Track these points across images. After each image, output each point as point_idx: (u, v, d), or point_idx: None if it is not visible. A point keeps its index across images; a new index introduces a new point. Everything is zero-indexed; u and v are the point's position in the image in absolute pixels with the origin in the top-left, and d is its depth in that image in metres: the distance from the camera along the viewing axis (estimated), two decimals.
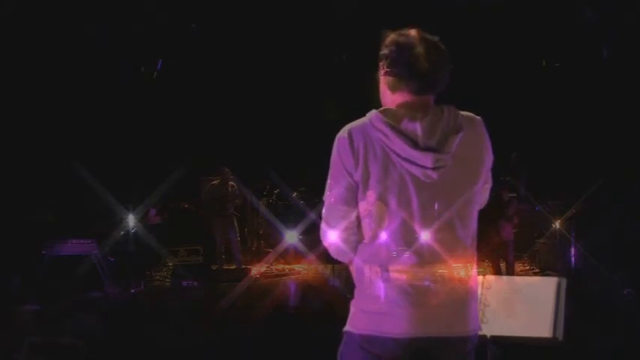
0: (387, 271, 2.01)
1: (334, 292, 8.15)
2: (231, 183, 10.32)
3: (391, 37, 2.12)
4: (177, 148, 11.18)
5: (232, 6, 11.60)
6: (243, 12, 11.73)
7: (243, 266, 10.50)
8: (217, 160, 10.72)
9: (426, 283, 2.01)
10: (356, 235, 2.07)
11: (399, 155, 1.98)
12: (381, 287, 2.01)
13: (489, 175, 2.18)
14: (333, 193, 2.06)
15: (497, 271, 8.46)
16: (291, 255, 11.07)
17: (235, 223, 10.44)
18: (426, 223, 2.04)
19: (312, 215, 10.58)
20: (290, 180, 11.73)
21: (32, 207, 9.22)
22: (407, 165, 1.98)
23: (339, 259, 2.16)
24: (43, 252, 8.16)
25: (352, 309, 2.11)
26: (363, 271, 2.06)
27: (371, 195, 2.00)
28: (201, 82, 12.20)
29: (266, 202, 11.88)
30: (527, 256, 10.64)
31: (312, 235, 11.17)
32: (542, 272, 10.03)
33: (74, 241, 8.32)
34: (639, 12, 9.99)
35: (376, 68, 2.25)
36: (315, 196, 11.80)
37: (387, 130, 1.99)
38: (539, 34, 11.49)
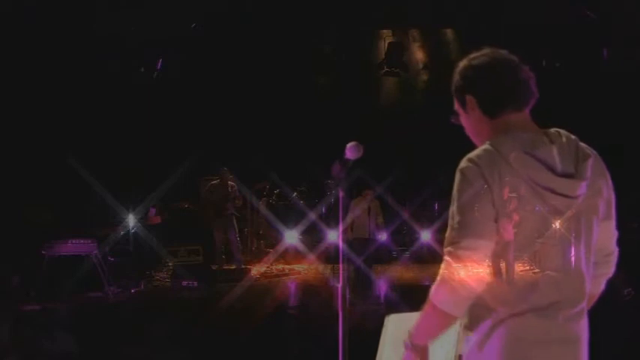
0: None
1: (334, 292, 8.14)
2: (230, 183, 10.31)
3: (465, 64, 1.99)
4: (177, 148, 11.17)
5: (231, 6, 11.60)
6: (243, 12, 11.72)
7: (243, 266, 10.49)
8: (217, 160, 10.72)
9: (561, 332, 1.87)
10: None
11: (538, 184, 1.79)
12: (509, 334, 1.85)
13: (612, 211, 2.01)
14: (470, 225, 1.79)
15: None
16: (291, 255, 11.09)
17: (235, 223, 10.44)
18: (560, 257, 1.86)
19: (312, 215, 10.60)
20: (290, 180, 11.73)
21: (32, 207, 9.21)
22: (546, 194, 1.80)
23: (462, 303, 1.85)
24: (43, 252, 8.15)
25: None
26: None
27: (508, 225, 1.81)
28: (202, 82, 12.20)
29: (266, 202, 11.89)
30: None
31: (312, 235, 11.21)
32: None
33: (74, 241, 8.30)
34: (639, 12, 9.99)
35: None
36: (315, 196, 11.83)
37: (523, 157, 1.80)
38: (539, 34, 11.48)
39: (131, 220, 9.65)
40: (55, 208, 9.31)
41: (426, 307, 1.89)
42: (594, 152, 1.95)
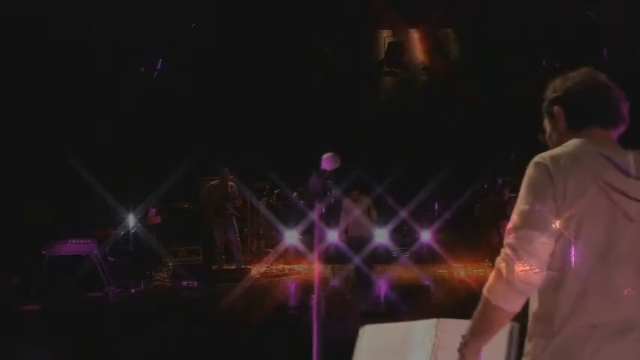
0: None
1: (334, 292, 8.14)
2: (230, 183, 10.31)
3: (559, 79, 2.04)
4: (177, 148, 11.17)
5: (231, 6, 11.60)
6: (243, 13, 11.73)
7: (243, 266, 10.50)
8: (217, 160, 10.72)
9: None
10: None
11: (609, 185, 1.77)
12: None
13: None
14: (528, 217, 1.79)
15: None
16: (291, 255, 11.08)
17: (235, 223, 10.44)
18: (630, 269, 1.78)
19: (312, 215, 10.59)
20: (290, 180, 11.73)
21: (32, 207, 9.21)
22: (616, 196, 1.76)
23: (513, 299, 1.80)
24: (43, 252, 8.15)
25: None
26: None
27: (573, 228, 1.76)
28: (202, 82, 12.20)
29: (266, 202, 11.88)
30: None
31: (312, 235, 11.18)
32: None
33: (74, 241, 8.31)
34: (639, 12, 9.99)
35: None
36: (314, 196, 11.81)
37: (595, 156, 1.80)
38: (539, 34, 11.48)
39: (131, 220, 9.65)
40: (55, 208, 9.31)
41: (480, 302, 1.85)
42: None
